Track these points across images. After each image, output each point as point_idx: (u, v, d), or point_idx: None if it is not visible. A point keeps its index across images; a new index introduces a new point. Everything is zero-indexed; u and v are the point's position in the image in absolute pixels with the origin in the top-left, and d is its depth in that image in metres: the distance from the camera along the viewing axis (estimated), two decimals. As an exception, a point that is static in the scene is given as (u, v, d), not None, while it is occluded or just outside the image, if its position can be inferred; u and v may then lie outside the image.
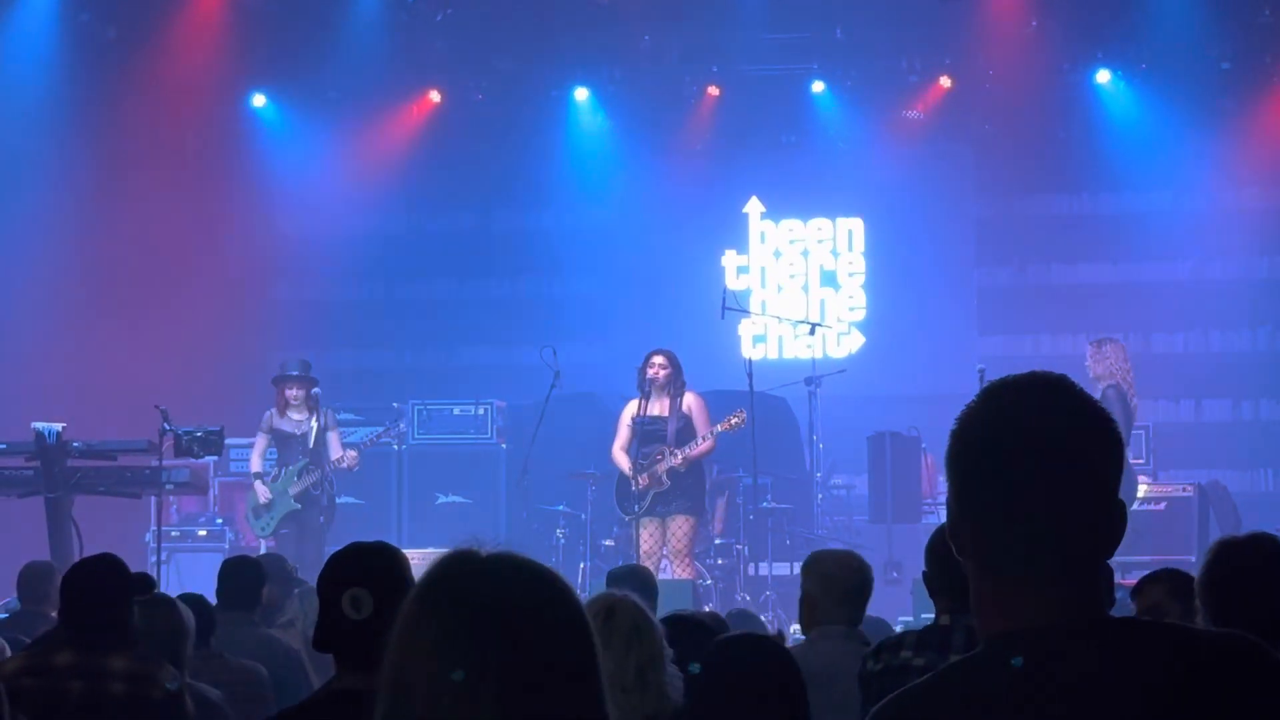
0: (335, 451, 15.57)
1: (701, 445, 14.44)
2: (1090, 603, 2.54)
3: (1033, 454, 2.54)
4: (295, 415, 15.66)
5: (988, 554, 2.56)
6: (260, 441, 15.81)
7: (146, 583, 6.36)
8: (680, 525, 14.50)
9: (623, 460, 14.63)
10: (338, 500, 16.08)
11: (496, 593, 2.37)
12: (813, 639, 6.79)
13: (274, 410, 15.75)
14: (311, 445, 15.57)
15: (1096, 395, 12.54)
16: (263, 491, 15.60)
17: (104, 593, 6.20)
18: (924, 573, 5.92)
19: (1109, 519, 2.55)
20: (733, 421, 14.42)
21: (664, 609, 6.31)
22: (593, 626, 2.42)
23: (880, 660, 5.77)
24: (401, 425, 16.84)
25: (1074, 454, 2.55)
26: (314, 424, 15.61)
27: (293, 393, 15.65)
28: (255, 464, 15.81)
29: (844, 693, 6.27)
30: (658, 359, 14.61)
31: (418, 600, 2.40)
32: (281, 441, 15.73)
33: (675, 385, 14.59)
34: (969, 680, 2.53)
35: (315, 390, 15.73)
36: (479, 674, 2.32)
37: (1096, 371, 14.43)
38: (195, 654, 6.83)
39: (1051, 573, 2.53)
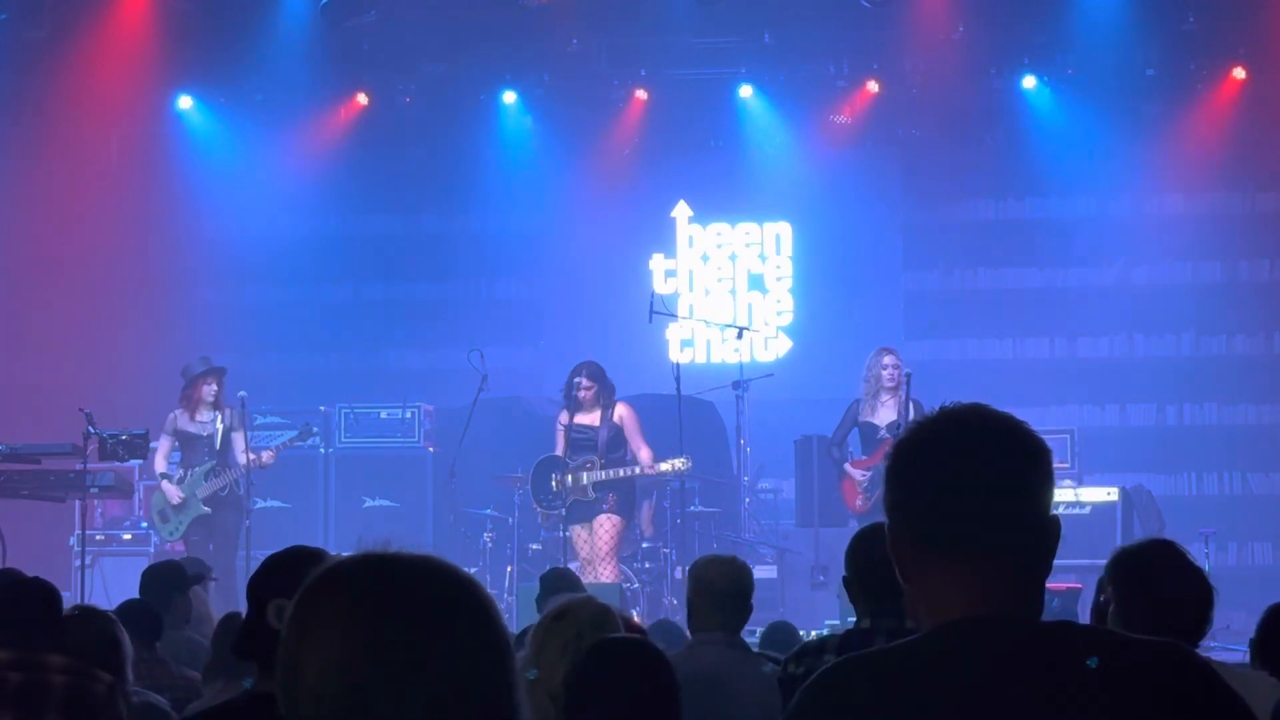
0: (245, 451, 15.31)
1: (635, 469, 14.49)
2: (1034, 604, 2.67)
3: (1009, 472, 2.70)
4: (202, 416, 15.34)
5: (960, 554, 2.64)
6: (165, 443, 15.38)
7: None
8: (603, 524, 14.53)
9: (558, 463, 14.73)
10: (264, 504, 15.98)
11: (386, 590, 2.31)
12: (691, 645, 6.82)
13: (179, 412, 15.36)
14: (218, 447, 15.26)
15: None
16: (174, 492, 15.21)
17: (34, 598, 6.18)
18: (845, 577, 5.95)
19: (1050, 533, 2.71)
20: (676, 465, 14.44)
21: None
22: (501, 626, 2.36)
23: (802, 664, 5.81)
24: (314, 430, 16.63)
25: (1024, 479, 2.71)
26: (219, 425, 15.31)
27: (210, 388, 15.30)
28: (160, 465, 15.33)
29: (725, 699, 6.33)
30: (583, 380, 14.63)
31: (308, 595, 2.34)
32: (187, 443, 15.35)
33: (604, 397, 14.62)
34: (916, 658, 2.60)
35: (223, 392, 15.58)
36: (370, 673, 2.27)
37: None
38: (142, 658, 6.83)
39: (1010, 575, 2.66)
